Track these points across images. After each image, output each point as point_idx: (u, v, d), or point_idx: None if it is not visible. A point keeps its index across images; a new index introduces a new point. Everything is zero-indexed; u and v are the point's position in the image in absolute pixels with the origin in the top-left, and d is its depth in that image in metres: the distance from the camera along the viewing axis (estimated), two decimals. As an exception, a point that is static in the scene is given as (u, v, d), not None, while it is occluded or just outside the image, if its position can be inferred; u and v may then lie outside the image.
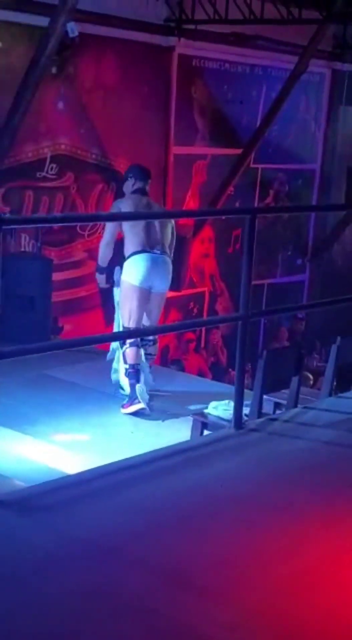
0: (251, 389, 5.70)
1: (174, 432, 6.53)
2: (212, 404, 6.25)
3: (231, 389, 6.21)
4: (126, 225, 6.95)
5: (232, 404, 6.12)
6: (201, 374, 12.21)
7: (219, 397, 6.39)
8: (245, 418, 5.39)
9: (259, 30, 11.65)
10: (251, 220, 5.06)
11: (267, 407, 6.16)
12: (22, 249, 9.83)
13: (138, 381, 6.90)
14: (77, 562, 3.57)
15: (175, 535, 3.86)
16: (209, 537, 3.86)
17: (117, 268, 7.18)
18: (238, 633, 3.18)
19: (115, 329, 7.34)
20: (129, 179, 7.22)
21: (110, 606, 3.23)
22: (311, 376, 11.24)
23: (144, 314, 7.03)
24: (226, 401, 6.18)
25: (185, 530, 3.90)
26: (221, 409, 6.15)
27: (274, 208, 13.40)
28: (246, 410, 5.42)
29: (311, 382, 10.96)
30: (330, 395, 6.02)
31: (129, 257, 6.94)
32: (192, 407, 6.58)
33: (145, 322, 7.08)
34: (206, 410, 6.26)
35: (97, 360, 8.08)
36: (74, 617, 3.17)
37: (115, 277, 7.23)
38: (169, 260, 7.08)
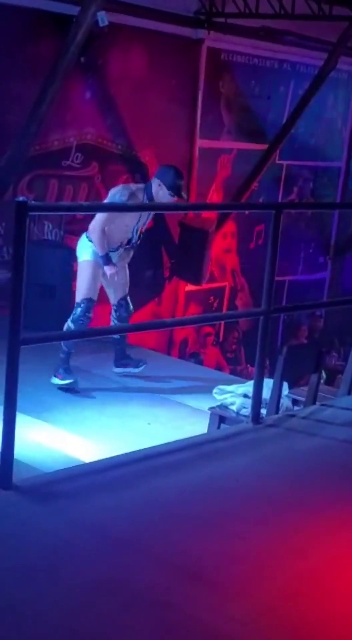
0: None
1: (191, 425, 6.54)
2: (215, 390, 6.26)
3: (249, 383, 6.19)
4: None
5: (240, 389, 6.11)
6: (218, 368, 12.19)
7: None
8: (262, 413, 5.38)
9: (289, 26, 11.58)
10: (276, 216, 5.05)
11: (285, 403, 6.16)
12: (45, 237, 9.85)
13: None
14: (89, 552, 3.56)
15: (188, 529, 3.85)
16: (222, 532, 3.85)
17: None
18: (250, 628, 3.17)
19: None
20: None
21: (121, 598, 3.23)
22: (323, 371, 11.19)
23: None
24: (234, 386, 6.17)
25: (198, 525, 3.90)
26: (228, 395, 6.16)
27: (299, 204, 13.34)
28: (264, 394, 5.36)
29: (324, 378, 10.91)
30: (349, 393, 6.01)
31: None
32: (210, 401, 6.56)
33: None
34: (216, 395, 6.25)
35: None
36: (84, 608, 3.16)
37: None
38: None
